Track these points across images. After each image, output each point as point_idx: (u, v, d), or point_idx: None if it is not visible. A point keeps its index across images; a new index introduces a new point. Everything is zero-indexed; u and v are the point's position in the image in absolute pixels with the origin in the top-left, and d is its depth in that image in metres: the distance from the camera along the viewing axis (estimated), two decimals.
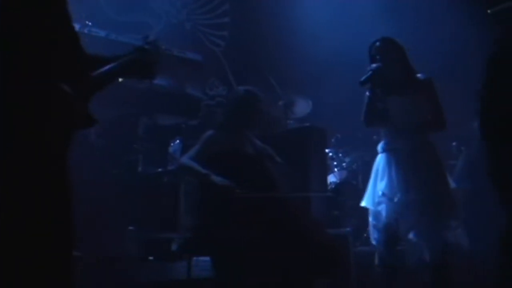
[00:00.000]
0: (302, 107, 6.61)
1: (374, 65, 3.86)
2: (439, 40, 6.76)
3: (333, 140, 6.70)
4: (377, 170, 3.93)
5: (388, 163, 3.87)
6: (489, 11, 3.79)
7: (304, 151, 5.29)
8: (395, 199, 3.72)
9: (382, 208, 3.79)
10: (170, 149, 5.59)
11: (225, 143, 3.94)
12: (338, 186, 6.31)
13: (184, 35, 7.00)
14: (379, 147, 3.99)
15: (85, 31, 4.75)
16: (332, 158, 6.65)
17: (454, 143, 6.16)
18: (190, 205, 4.29)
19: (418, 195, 3.70)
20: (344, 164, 6.71)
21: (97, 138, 5.03)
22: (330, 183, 6.30)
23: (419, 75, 3.94)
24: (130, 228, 4.84)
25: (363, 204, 3.98)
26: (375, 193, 3.87)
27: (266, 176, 3.87)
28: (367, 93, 3.88)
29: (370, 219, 3.91)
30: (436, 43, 6.71)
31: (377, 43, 3.99)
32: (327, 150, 6.22)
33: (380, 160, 3.95)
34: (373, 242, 3.92)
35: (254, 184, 3.77)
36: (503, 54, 1.38)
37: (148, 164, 5.31)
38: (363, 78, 3.81)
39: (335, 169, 6.70)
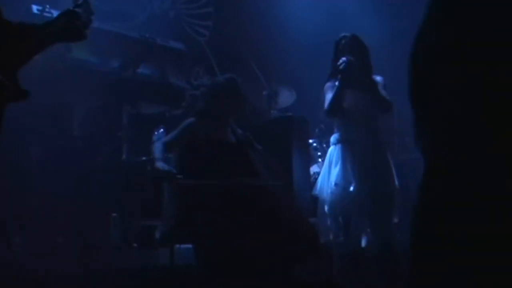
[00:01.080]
0: (286, 97, 6.65)
1: (348, 57, 3.98)
2: None
3: (317, 130, 6.74)
4: (331, 161, 4.08)
5: (343, 154, 4.03)
6: None
7: (286, 141, 5.34)
8: (351, 188, 3.88)
9: (336, 197, 3.93)
10: (154, 138, 5.60)
11: (206, 130, 3.98)
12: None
13: (168, 25, 6.99)
14: (333, 138, 4.20)
15: None
16: (315, 149, 6.69)
17: None
18: (172, 193, 4.31)
19: (374, 188, 3.87)
20: None
21: (80, 126, 5.04)
22: (314, 173, 6.35)
23: (375, 76, 4.20)
24: (114, 215, 4.86)
25: (315, 193, 4.14)
26: (329, 183, 4.00)
27: (247, 163, 3.92)
28: (336, 83, 4.00)
29: (326, 208, 4.03)
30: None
31: (345, 39, 4.13)
32: (311, 141, 6.27)
33: (333, 150, 4.13)
34: (323, 230, 4.05)
35: (235, 171, 3.81)
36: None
37: (132, 152, 5.32)
38: (342, 67, 3.93)
39: (319, 160, 6.75)
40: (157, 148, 3.99)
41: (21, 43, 2.47)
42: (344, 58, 4.03)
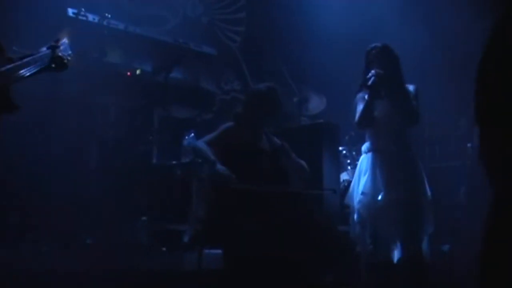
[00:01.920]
0: (317, 104, 6.62)
1: (377, 71, 3.97)
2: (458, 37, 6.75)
3: (346, 137, 6.70)
4: (361, 169, 4.09)
5: (373, 162, 4.04)
6: None
7: (317, 147, 5.32)
8: (379, 197, 3.86)
9: (364, 206, 3.92)
10: (184, 142, 5.64)
11: (242, 136, 3.99)
12: (350, 184, 6.31)
13: (200, 29, 7.03)
14: (364, 147, 4.20)
15: (104, 23, 4.79)
16: (345, 156, 6.65)
17: (469, 144, 6.15)
18: (201, 198, 4.33)
19: (402, 196, 3.84)
20: (357, 162, 6.67)
21: (113, 128, 5.09)
22: (343, 180, 6.30)
23: (408, 85, 4.17)
24: (143, 218, 4.89)
25: (345, 201, 4.15)
26: (358, 192, 4.00)
27: (279, 171, 3.92)
28: (366, 97, 4.01)
29: (355, 216, 4.01)
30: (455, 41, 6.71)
31: (376, 49, 4.12)
32: (340, 148, 6.23)
33: (364, 159, 4.12)
34: (354, 238, 4.03)
35: (268, 178, 3.81)
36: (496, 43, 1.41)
37: (162, 156, 5.36)
38: (371, 82, 3.94)
39: (349, 167, 6.70)
40: (204, 149, 3.93)
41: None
42: (373, 71, 4.02)
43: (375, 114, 4.10)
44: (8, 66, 2.83)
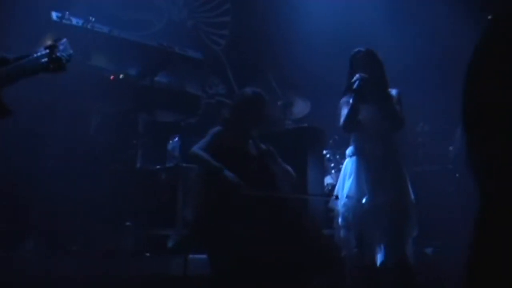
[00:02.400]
0: (301, 107, 6.64)
1: (362, 75, 4.00)
2: (441, 40, 6.81)
3: (330, 141, 6.72)
4: (346, 173, 4.11)
5: (357, 166, 4.07)
6: (489, 17, 3.82)
7: (302, 151, 5.33)
8: (363, 200, 3.89)
9: (348, 209, 3.94)
10: (169, 146, 5.62)
11: (230, 140, 3.98)
12: (334, 187, 6.33)
13: (185, 33, 7.03)
14: (349, 150, 4.22)
15: (88, 26, 4.76)
16: (329, 160, 6.67)
17: (450, 148, 6.20)
18: (188, 202, 4.32)
19: (386, 199, 3.87)
20: (341, 166, 6.67)
21: (96, 133, 5.05)
22: (327, 184, 6.33)
23: (390, 89, 4.19)
24: (128, 223, 4.86)
25: (330, 205, 4.16)
26: (343, 195, 4.02)
27: (267, 176, 3.92)
28: (351, 101, 4.02)
29: (340, 219, 4.03)
30: (439, 44, 6.77)
31: (360, 54, 4.15)
32: (324, 152, 6.25)
33: (348, 163, 4.14)
34: (339, 242, 4.05)
35: (255, 182, 3.80)
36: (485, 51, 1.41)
37: (147, 160, 5.34)
38: (356, 86, 3.96)
39: (332, 171, 6.73)
40: (207, 156, 3.88)
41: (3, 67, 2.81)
42: (357, 75, 4.04)
43: (360, 118, 4.12)
44: (4, 68, 2.79)
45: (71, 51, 3.07)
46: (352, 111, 4.08)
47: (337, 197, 4.06)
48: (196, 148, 3.94)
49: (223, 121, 4.14)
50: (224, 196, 3.72)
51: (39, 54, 2.93)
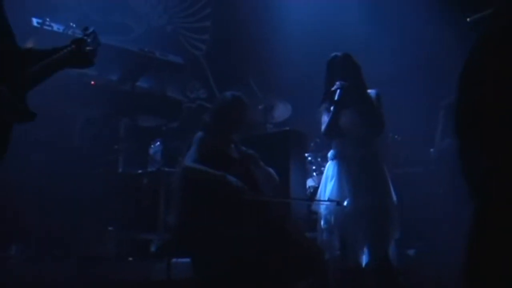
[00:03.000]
0: (282, 111, 6.66)
1: (341, 83, 4.01)
2: (422, 44, 6.88)
3: (312, 144, 6.76)
4: (327, 176, 4.13)
5: (339, 169, 4.09)
6: (468, 19, 3.88)
7: (284, 155, 5.35)
8: (345, 203, 3.92)
9: (330, 212, 3.97)
10: (150, 151, 5.62)
11: (211, 144, 3.98)
12: (316, 190, 6.37)
13: (165, 39, 7.03)
14: (330, 154, 4.24)
15: (69, 32, 4.73)
16: (310, 162, 6.71)
17: (432, 150, 6.26)
18: (171, 206, 4.31)
19: (368, 201, 3.91)
20: (322, 168, 6.73)
21: (78, 138, 5.03)
22: (309, 187, 6.36)
23: (369, 90, 4.21)
24: (110, 228, 4.84)
25: (313, 208, 4.19)
26: (325, 198, 4.05)
27: (249, 179, 3.92)
28: (332, 108, 4.04)
29: (322, 222, 4.06)
30: (419, 48, 6.84)
31: (337, 59, 4.16)
32: (306, 154, 6.29)
33: (330, 166, 4.17)
34: (322, 245, 4.07)
35: None
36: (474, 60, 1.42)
37: (129, 165, 5.32)
38: (337, 97, 3.98)
39: (314, 174, 6.76)
40: (204, 167, 3.82)
41: (30, 68, 2.64)
42: (337, 84, 4.05)
43: (339, 124, 4.13)
44: (37, 66, 2.64)
45: (100, 41, 2.92)
46: (333, 119, 4.09)
47: (338, 203, 4.04)
48: (189, 162, 3.86)
49: (203, 125, 4.13)
50: (229, 201, 3.71)
51: (65, 51, 2.77)
